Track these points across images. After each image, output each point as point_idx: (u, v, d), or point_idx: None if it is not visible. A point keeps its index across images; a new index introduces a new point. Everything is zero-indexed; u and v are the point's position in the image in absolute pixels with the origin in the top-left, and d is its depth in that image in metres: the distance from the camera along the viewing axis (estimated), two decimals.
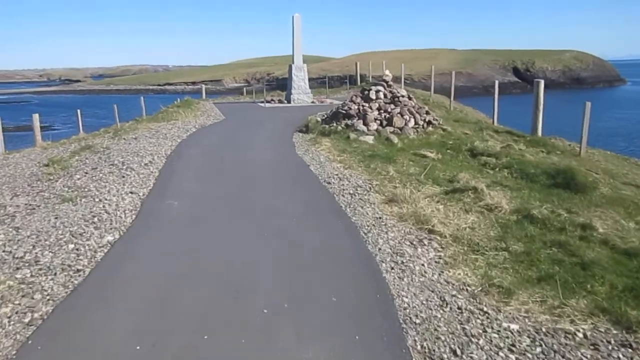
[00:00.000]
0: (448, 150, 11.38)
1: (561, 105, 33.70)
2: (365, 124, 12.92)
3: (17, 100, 79.32)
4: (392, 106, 13.42)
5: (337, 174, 9.01)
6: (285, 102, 22.21)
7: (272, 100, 22.89)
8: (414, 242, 5.84)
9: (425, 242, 5.85)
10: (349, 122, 13.18)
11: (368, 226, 6.36)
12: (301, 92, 21.99)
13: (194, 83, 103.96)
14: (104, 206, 7.28)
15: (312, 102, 21.88)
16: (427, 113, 13.53)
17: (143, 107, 24.36)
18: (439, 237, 5.96)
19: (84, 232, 6.23)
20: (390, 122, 12.86)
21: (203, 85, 28.56)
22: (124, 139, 12.93)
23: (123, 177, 8.94)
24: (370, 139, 12.17)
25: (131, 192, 7.98)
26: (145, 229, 6.44)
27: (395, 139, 12.11)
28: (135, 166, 9.70)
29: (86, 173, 9.37)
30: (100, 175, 9.12)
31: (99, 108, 53.86)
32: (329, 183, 8.47)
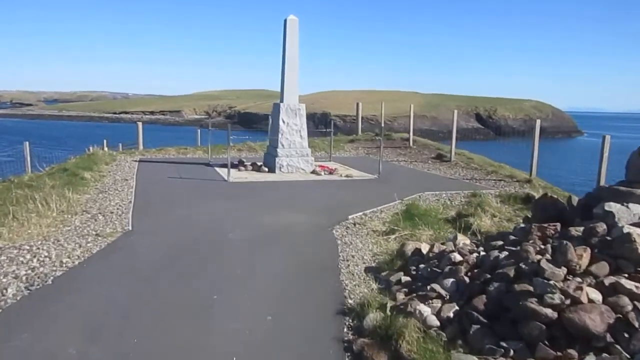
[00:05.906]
0: None
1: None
2: None
3: None
4: None
5: None
6: (266, 169, 11.43)
7: (241, 164, 11.68)
8: None
9: None
10: None
11: None
12: (294, 153, 11.28)
13: (152, 113, 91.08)
14: None
15: (313, 171, 11.32)
16: None
17: (28, 158, 13.93)
18: None
19: None
20: None
21: (139, 124, 17.58)
22: None
23: None
24: None
25: None
26: None
27: None
28: None
29: None
30: None
31: (46, 138, 42.65)
32: None
